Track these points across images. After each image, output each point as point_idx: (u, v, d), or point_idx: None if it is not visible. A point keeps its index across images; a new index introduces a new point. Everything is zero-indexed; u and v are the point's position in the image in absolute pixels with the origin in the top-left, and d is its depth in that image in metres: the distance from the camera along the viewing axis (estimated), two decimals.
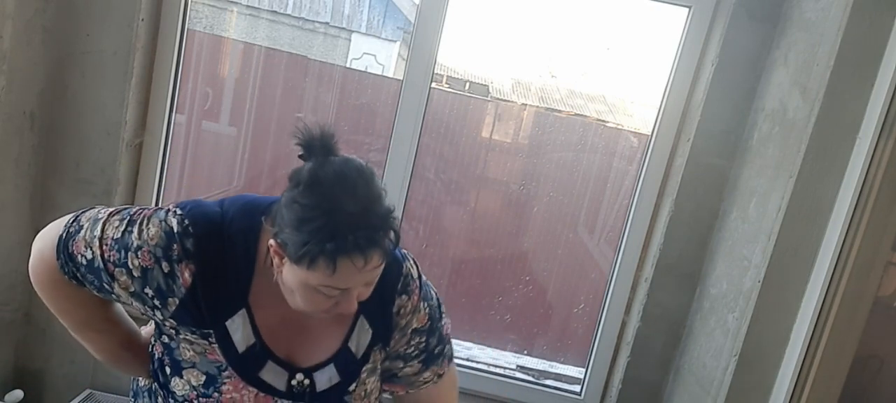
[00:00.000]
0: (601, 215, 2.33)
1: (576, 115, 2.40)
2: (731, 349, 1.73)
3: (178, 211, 1.00)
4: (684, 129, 2.01)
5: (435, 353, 1.16)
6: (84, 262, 1.01)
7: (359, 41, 2.88)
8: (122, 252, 0.98)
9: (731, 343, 1.74)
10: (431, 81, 2.03)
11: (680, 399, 1.98)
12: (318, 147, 0.91)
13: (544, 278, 2.40)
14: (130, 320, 1.19)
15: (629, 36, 2.26)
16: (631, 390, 2.11)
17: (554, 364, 2.42)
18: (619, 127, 2.36)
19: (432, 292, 1.17)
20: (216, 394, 1.03)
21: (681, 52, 1.99)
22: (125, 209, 1.04)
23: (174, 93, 2.09)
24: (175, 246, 0.97)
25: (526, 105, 2.45)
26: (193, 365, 1.04)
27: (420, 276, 1.14)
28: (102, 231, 1.00)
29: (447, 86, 2.42)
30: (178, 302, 0.99)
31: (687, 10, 1.98)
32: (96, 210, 1.05)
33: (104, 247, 0.99)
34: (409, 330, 1.11)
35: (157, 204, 2.15)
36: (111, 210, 1.04)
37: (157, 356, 1.09)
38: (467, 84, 2.53)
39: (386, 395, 1.22)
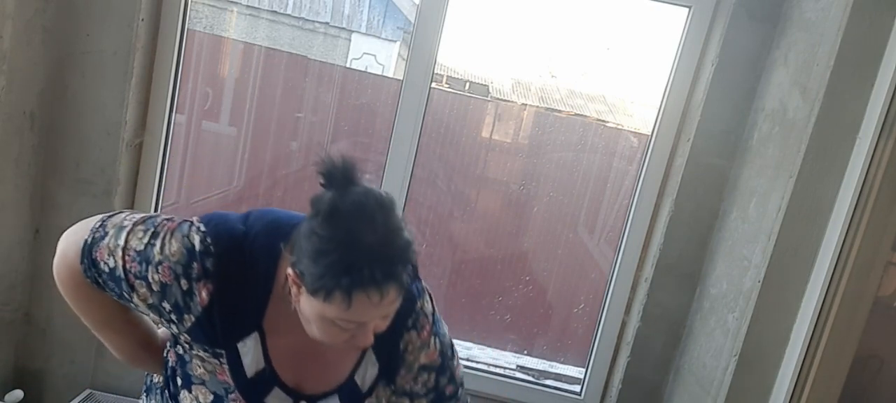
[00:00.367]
0: (601, 215, 2.33)
1: (576, 115, 2.40)
2: (731, 349, 1.73)
3: (202, 228, 0.99)
4: (684, 129, 2.01)
5: (446, 395, 1.13)
6: (106, 270, 1.01)
7: (359, 41, 2.88)
8: (144, 265, 0.99)
9: (731, 343, 1.74)
10: (431, 81, 2.03)
11: (680, 399, 1.98)
12: (338, 177, 0.90)
13: (544, 278, 2.40)
14: (149, 321, 1.20)
15: (629, 36, 2.26)
16: (631, 390, 2.11)
17: (554, 364, 2.42)
18: (619, 127, 2.37)
19: (444, 330, 1.15)
20: None
21: (681, 52, 1.99)
22: (150, 219, 1.03)
23: (174, 93, 2.09)
24: (195, 264, 0.97)
25: (526, 105, 2.45)
26: (203, 383, 1.05)
27: (434, 313, 1.12)
28: (126, 241, 1.00)
29: (447, 86, 2.42)
30: (193, 319, 0.99)
31: (687, 10, 1.98)
32: (122, 216, 1.05)
33: (126, 258, 1.00)
34: (417, 367, 1.09)
35: (157, 204, 2.15)
36: (136, 218, 1.03)
37: (170, 363, 1.10)
38: (467, 84, 2.53)
39: None
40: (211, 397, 1.04)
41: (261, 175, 2.37)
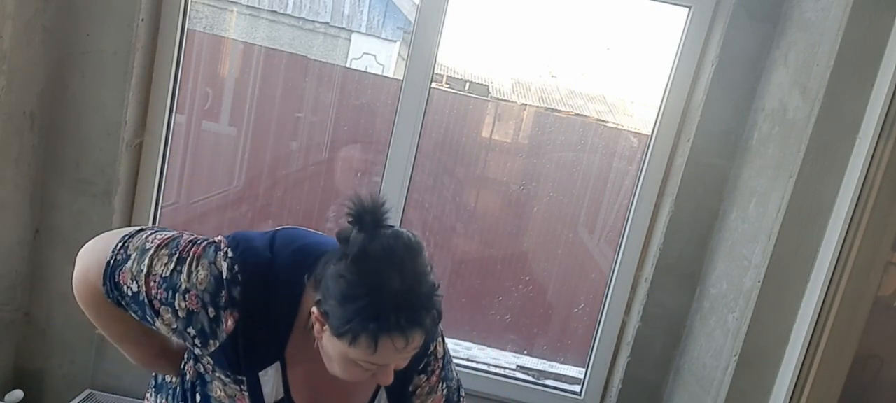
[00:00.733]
0: (601, 215, 2.33)
1: (576, 115, 2.40)
2: (731, 349, 1.73)
3: (230, 253, 0.99)
4: (684, 129, 2.01)
5: None
6: (129, 294, 1.01)
7: (359, 41, 2.88)
8: (170, 292, 0.98)
9: (731, 343, 1.74)
10: (431, 81, 2.03)
11: (680, 399, 1.98)
12: (368, 219, 0.91)
13: (544, 278, 2.40)
14: None
15: (629, 36, 2.26)
16: (631, 390, 2.10)
17: (554, 364, 2.42)
18: (619, 127, 2.36)
19: (453, 374, 1.16)
20: None
21: (681, 52, 1.99)
22: (174, 241, 1.02)
23: (174, 93, 2.09)
24: (223, 293, 0.97)
25: (526, 105, 2.45)
26: None
27: (445, 355, 1.13)
28: (150, 266, 1.00)
29: (447, 86, 2.42)
30: (218, 344, 0.99)
31: (687, 10, 1.98)
32: (144, 236, 1.04)
33: (151, 284, 0.99)
34: None
35: (156, 204, 2.15)
36: (159, 241, 1.02)
37: (188, 377, 1.10)
38: (467, 84, 2.53)
39: None
40: None
41: (261, 175, 2.37)
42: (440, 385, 1.11)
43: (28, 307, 2.08)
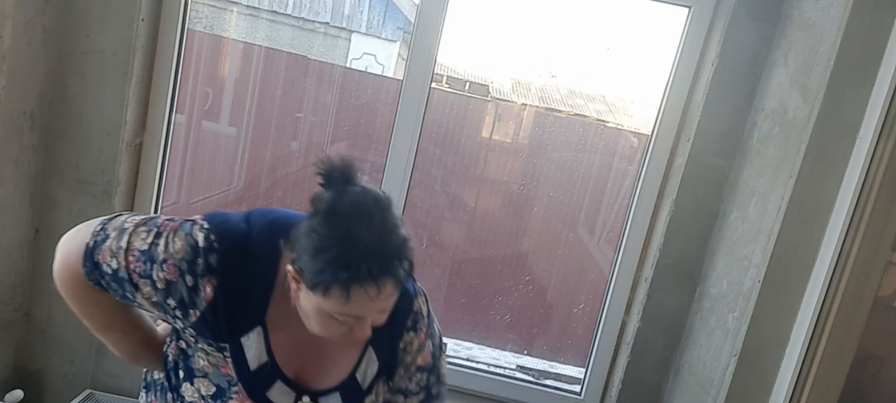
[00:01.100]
0: (601, 215, 2.33)
1: (576, 115, 2.40)
2: (731, 349, 1.73)
3: (205, 225, 1.02)
4: (684, 129, 2.01)
5: (433, 394, 1.17)
6: (109, 271, 1.03)
7: (359, 41, 2.88)
8: (148, 264, 1.00)
9: (731, 343, 1.74)
10: (431, 81, 2.03)
11: (680, 399, 1.98)
12: (337, 177, 0.93)
13: (544, 278, 2.40)
14: (150, 321, 1.21)
15: (629, 36, 2.26)
16: (631, 390, 2.11)
17: (554, 364, 2.42)
18: (619, 127, 2.37)
19: (437, 329, 1.18)
20: None
21: (681, 52, 1.99)
22: (151, 220, 1.05)
23: (174, 93, 2.09)
24: (199, 260, 0.99)
25: (526, 105, 2.45)
26: (206, 375, 1.07)
27: (429, 314, 1.15)
28: (129, 242, 1.02)
29: (447, 86, 2.42)
30: (198, 314, 1.01)
31: (687, 10, 1.98)
32: (123, 219, 1.06)
33: (130, 258, 1.01)
34: (413, 367, 1.13)
35: (157, 204, 2.15)
36: (137, 220, 1.05)
37: (170, 358, 1.11)
38: (467, 84, 2.53)
39: None
40: (213, 389, 1.06)
41: (261, 175, 2.37)
42: (428, 342, 1.13)
43: (28, 307, 2.08)
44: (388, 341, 1.09)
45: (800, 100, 1.66)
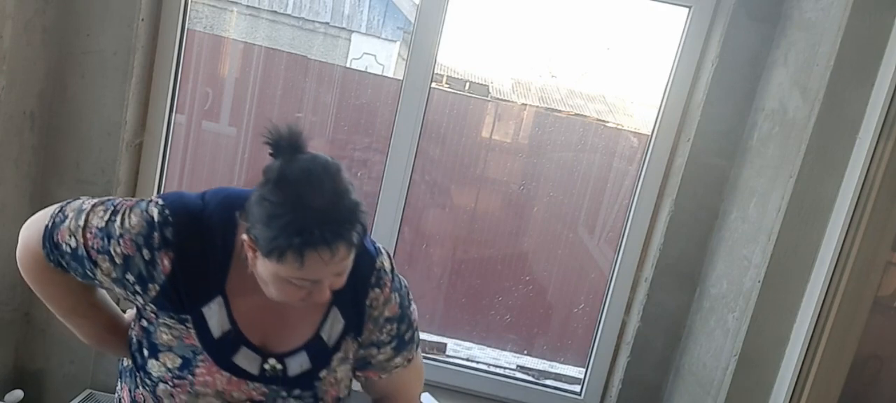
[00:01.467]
0: (601, 215, 2.33)
1: (576, 115, 2.40)
2: (731, 349, 1.73)
3: (160, 202, 1.05)
4: (684, 129, 2.01)
5: (405, 339, 1.20)
6: (68, 250, 1.06)
7: (359, 41, 2.88)
8: (105, 240, 1.03)
9: (731, 343, 1.74)
10: (431, 81, 2.03)
11: (680, 399, 1.98)
12: (285, 145, 0.96)
13: (544, 278, 2.40)
14: (114, 305, 1.24)
15: (629, 36, 2.26)
16: (631, 390, 2.11)
17: (554, 364, 2.42)
18: (619, 127, 2.37)
19: (402, 281, 1.21)
20: (190, 376, 1.07)
21: (681, 52, 1.99)
22: (109, 200, 1.09)
23: (174, 93, 2.09)
24: (155, 234, 1.02)
25: (526, 105, 2.45)
26: (170, 349, 1.08)
27: (393, 269, 1.18)
28: (86, 220, 1.05)
29: (447, 86, 2.42)
30: (158, 288, 1.04)
31: (687, 10, 1.97)
32: (81, 201, 1.10)
33: (87, 236, 1.04)
34: (382, 320, 1.15)
35: None
36: (95, 201, 1.08)
37: (135, 339, 1.13)
38: (467, 84, 2.53)
39: (356, 388, 1.26)
40: (179, 361, 1.08)
41: (261, 175, 2.37)
42: (393, 295, 1.15)
43: (28, 307, 2.08)
44: (353, 299, 1.11)
45: (800, 100, 1.66)
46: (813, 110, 1.58)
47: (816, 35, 1.64)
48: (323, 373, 1.13)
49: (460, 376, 2.19)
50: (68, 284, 1.12)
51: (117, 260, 1.03)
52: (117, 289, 1.07)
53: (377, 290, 1.13)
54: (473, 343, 2.43)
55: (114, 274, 1.04)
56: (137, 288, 1.04)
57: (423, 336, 2.29)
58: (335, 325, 1.12)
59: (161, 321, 1.07)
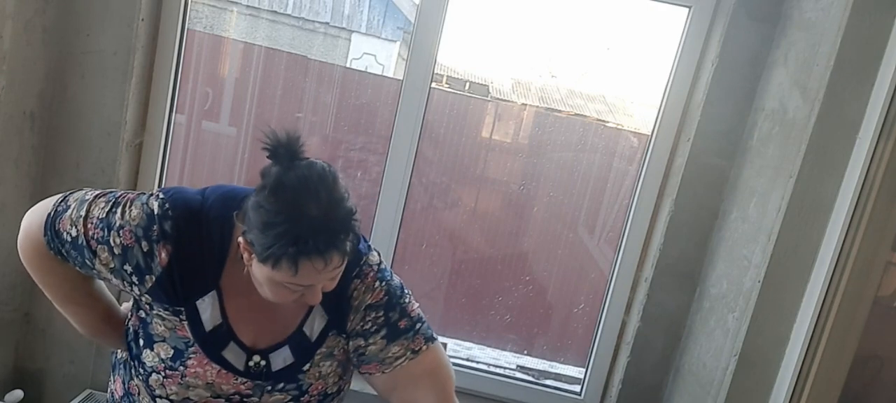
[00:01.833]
0: (601, 215, 2.33)
1: (576, 115, 2.40)
2: (731, 349, 1.73)
3: (161, 195, 1.07)
4: (684, 129, 2.01)
5: (400, 328, 1.16)
6: (69, 239, 1.07)
7: (359, 41, 2.88)
8: (106, 230, 1.05)
9: (731, 343, 1.74)
10: (431, 81, 2.03)
11: (680, 399, 1.98)
12: (283, 152, 0.97)
13: (544, 278, 2.40)
14: (111, 295, 1.26)
15: (629, 36, 2.26)
16: (631, 390, 2.11)
17: (554, 364, 2.42)
18: (619, 127, 2.36)
19: (392, 278, 1.19)
20: (181, 367, 1.09)
21: (681, 52, 1.99)
22: (111, 192, 1.11)
23: (174, 93, 2.09)
24: (155, 227, 1.04)
25: (526, 105, 2.45)
26: (164, 340, 1.10)
27: (379, 263, 1.18)
28: (88, 211, 1.07)
29: (447, 86, 2.42)
30: (154, 279, 1.06)
31: (687, 10, 1.97)
32: (83, 191, 1.12)
33: (88, 226, 1.06)
34: (363, 307, 1.14)
35: None
36: (98, 192, 1.10)
37: (131, 329, 1.15)
38: (467, 84, 2.53)
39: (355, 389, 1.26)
40: (172, 352, 1.10)
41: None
42: (377, 282, 1.15)
43: (28, 307, 2.08)
44: (335, 294, 1.10)
45: (800, 100, 1.66)
46: (813, 110, 1.58)
47: (816, 35, 1.64)
48: (306, 367, 1.14)
49: (460, 376, 2.19)
50: (67, 273, 1.14)
51: (116, 251, 1.05)
52: (115, 280, 1.08)
53: (357, 280, 1.14)
54: (473, 343, 2.43)
55: (112, 265, 1.06)
56: (134, 278, 1.06)
57: None
58: (318, 321, 1.14)
59: (155, 312, 1.10)
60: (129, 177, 2.07)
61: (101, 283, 1.23)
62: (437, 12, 1.98)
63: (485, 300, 2.42)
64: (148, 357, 1.11)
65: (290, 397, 1.14)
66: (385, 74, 2.88)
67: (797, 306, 1.65)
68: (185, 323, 1.09)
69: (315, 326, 1.14)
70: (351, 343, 1.17)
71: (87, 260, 1.07)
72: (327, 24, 2.75)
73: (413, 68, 2.01)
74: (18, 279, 2.01)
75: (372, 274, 1.15)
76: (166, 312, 1.09)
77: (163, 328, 1.10)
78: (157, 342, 1.10)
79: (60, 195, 1.13)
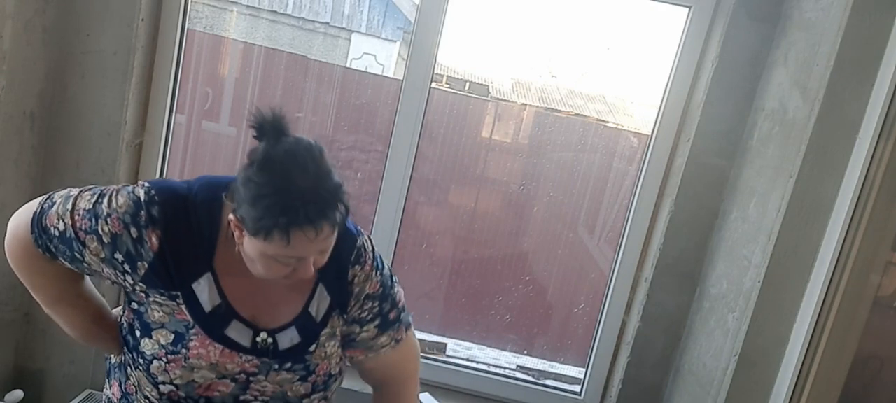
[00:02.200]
0: (601, 215, 2.33)
1: (576, 115, 2.40)
2: (731, 349, 1.73)
3: (146, 184, 1.09)
4: (684, 129, 2.01)
5: (390, 319, 1.22)
6: (57, 233, 1.08)
7: (359, 41, 2.88)
8: (93, 220, 1.06)
9: (731, 343, 1.74)
10: (431, 81, 2.03)
11: (680, 399, 1.98)
12: (269, 128, 0.99)
13: (544, 278, 2.40)
14: (101, 297, 1.26)
15: (629, 36, 2.26)
16: (631, 390, 2.11)
17: (554, 364, 2.42)
18: (619, 127, 2.37)
19: (384, 265, 1.24)
20: (184, 350, 1.09)
21: (681, 52, 1.99)
22: (96, 186, 1.12)
23: (174, 93, 2.09)
24: (142, 212, 1.05)
25: (526, 105, 2.45)
26: (162, 326, 1.10)
27: (373, 250, 1.21)
28: (74, 204, 1.08)
29: (447, 86, 2.42)
30: (147, 266, 1.06)
31: (687, 10, 1.97)
32: (68, 189, 1.12)
33: (75, 218, 1.07)
34: (363, 296, 1.18)
35: None
36: (83, 188, 1.11)
37: (126, 323, 1.15)
38: (467, 84, 2.53)
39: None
40: (172, 336, 1.09)
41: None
42: (374, 273, 1.19)
43: (28, 307, 2.08)
44: (336, 277, 1.15)
45: (800, 100, 1.66)
46: (813, 110, 1.58)
47: (816, 35, 1.64)
48: (313, 347, 1.15)
49: (460, 376, 2.20)
50: (56, 272, 1.14)
51: (105, 240, 1.05)
52: (106, 270, 1.08)
53: (357, 267, 1.17)
54: (473, 343, 2.43)
55: (102, 254, 1.06)
56: (126, 267, 1.06)
57: (423, 336, 2.30)
58: (322, 302, 1.15)
59: (151, 299, 1.09)
60: (129, 177, 2.07)
61: (91, 285, 1.23)
62: (437, 12, 1.98)
63: (485, 300, 2.42)
64: (147, 345, 1.10)
65: (297, 376, 1.15)
66: (385, 74, 2.88)
67: (797, 306, 1.65)
68: (184, 306, 1.09)
69: (320, 307, 1.15)
70: (346, 327, 1.19)
71: (76, 253, 1.07)
72: (327, 24, 2.75)
73: (413, 68, 2.01)
74: (18, 279, 2.01)
75: (369, 262, 1.18)
76: (163, 297, 1.09)
77: (160, 313, 1.10)
78: (155, 329, 1.10)
79: (45, 195, 1.13)
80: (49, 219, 1.09)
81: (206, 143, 2.34)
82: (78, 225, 1.06)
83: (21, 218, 1.13)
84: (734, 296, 1.78)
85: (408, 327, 1.26)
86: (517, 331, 2.44)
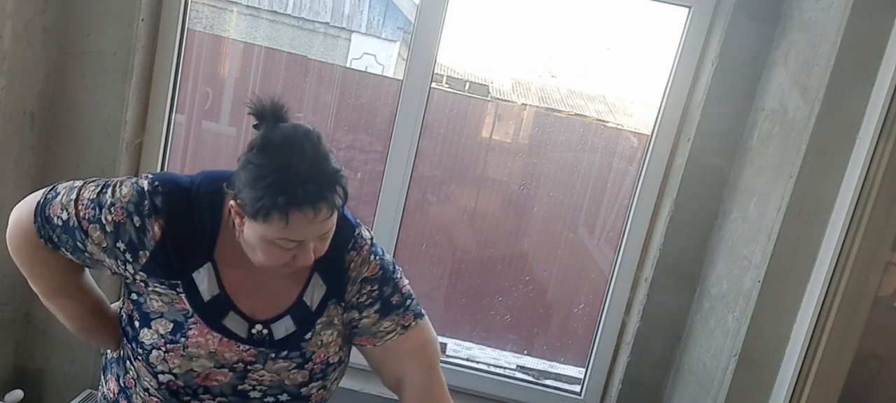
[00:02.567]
0: (601, 215, 2.33)
1: (576, 115, 2.40)
2: (731, 349, 1.73)
3: (149, 176, 1.11)
4: (684, 129, 2.01)
5: (392, 303, 1.21)
6: (60, 223, 1.09)
7: (359, 41, 2.88)
8: (97, 209, 1.07)
9: (731, 343, 1.74)
10: (431, 81, 2.03)
11: (680, 399, 1.98)
12: (268, 115, 1.01)
13: (544, 278, 2.40)
14: (100, 290, 1.26)
15: (629, 36, 2.26)
16: (631, 390, 2.11)
17: (554, 364, 2.42)
18: (619, 127, 2.36)
19: (384, 254, 1.24)
20: (183, 339, 1.10)
21: (681, 52, 1.99)
22: (100, 178, 1.14)
23: (174, 93, 2.09)
24: (145, 202, 1.07)
25: (526, 105, 2.45)
26: (161, 315, 1.11)
27: (372, 239, 1.22)
28: (78, 194, 1.10)
29: (447, 86, 2.42)
30: (148, 254, 1.07)
31: (687, 10, 1.97)
32: (72, 181, 1.14)
33: (79, 207, 1.08)
34: (360, 280, 1.18)
35: None
36: (87, 179, 1.14)
37: (125, 314, 1.15)
38: (467, 84, 2.53)
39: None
40: (171, 325, 1.10)
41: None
42: (371, 256, 1.19)
43: (28, 307, 2.08)
44: (334, 264, 1.15)
45: (800, 100, 1.66)
46: (813, 110, 1.58)
47: (816, 35, 1.64)
48: (308, 336, 1.16)
49: (460, 376, 2.20)
50: (57, 262, 1.15)
51: (108, 229, 1.06)
52: (107, 260, 1.09)
53: (353, 252, 1.17)
54: (473, 343, 2.43)
55: (104, 244, 1.07)
56: (128, 256, 1.07)
57: None
58: (317, 290, 1.16)
59: (151, 288, 1.10)
60: (129, 177, 2.07)
61: (91, 279, 1.24)
62: (437, 12, 1.98)
63: (485, 300, 2.42)
64: (146, 335, 1.11)
65: (294, 364, 1.15)
66: (385, 74, 2.88)
67: (797, 306, 1.65)
68: (183, 295, 1.10)
69: (314, 296, 1.16)
70: (346, 314, 1.19)
71: (78, 243, 1.08)
72: (327, 24, 2.75)
73: (413, 68, 2.01)
74: (18, 279, 2.01)
75: (366, 247, 1.19)
76: (163, 286, 1.10)
77: (160, 303, 1.10)
78: (154, 319, 1.11)
79: (49, 186, 1.15)
80: (52, 209, 1.10)
81: (206, 143, 2.34)
82: (81, 214, 1.07)
83: (24, 207, 1.14)
84: (734, 296, 1.78)
85: (418, 316, 1.23)
86: (517, 331, 2.44)
